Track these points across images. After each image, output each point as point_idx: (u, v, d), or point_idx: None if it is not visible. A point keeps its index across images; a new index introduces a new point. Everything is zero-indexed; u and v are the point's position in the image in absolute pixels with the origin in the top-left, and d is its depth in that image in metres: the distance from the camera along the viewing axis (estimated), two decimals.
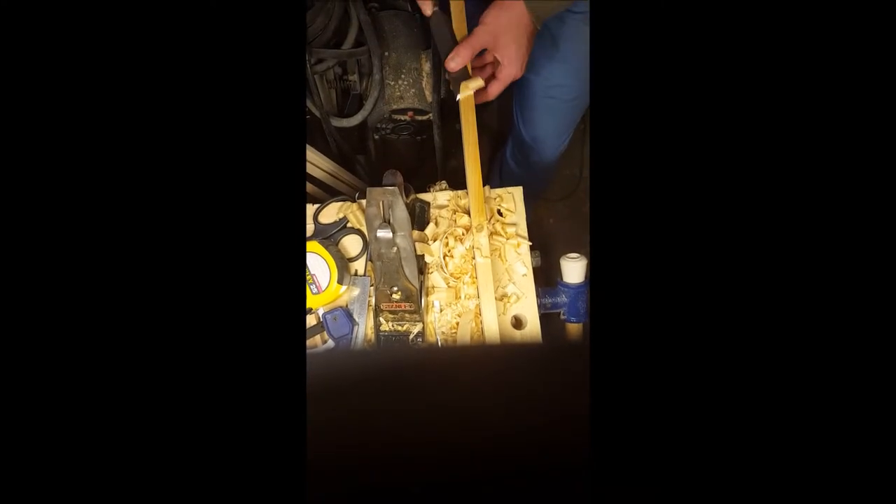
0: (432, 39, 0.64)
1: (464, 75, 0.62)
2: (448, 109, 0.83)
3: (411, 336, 0.64)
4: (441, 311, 0.65)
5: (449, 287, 0.65)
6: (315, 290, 0.64)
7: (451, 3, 0.62)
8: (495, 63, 0.63)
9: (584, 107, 0.88)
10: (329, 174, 0.82)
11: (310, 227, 0.70)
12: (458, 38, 0.62)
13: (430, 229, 0.67)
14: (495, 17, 0.59)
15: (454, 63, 0.60)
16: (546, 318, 0.68)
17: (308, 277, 0.64)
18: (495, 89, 0.64)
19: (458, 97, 0.62)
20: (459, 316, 0.64)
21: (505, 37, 0.60)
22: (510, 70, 0.62)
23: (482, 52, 0.62)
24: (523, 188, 0.70)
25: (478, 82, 0.62)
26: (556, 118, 0.87)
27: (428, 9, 0.61)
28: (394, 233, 0.61)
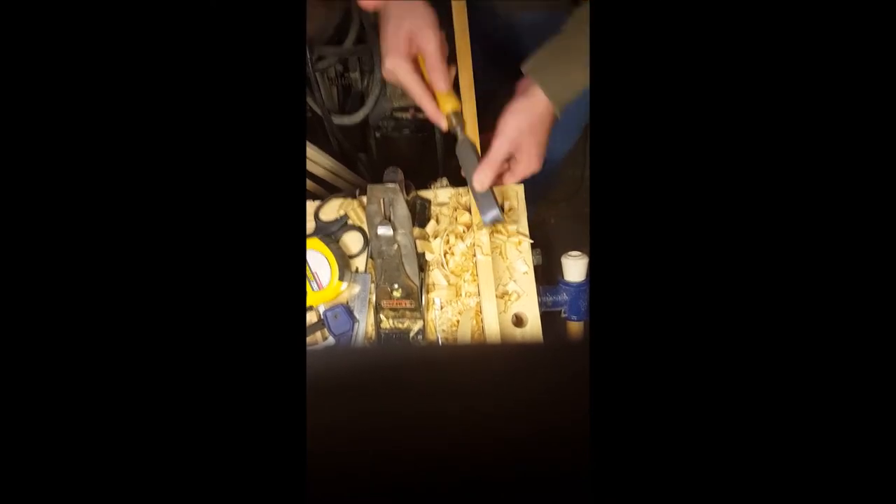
0: (458, 162, 0.60)
1: (492, 200, 0.58)
2: None
3: (412, 333, 0.64)
4: (442, 308, 0.65)
5: (449, 285, 0.65)
6: (316, 287, 0.64)
7: (453, 2, 0.61)
8: (511, 160, 0.59)
9: (587, 119, 0.87)
10: (330, 171, 0.82)
11: (311, 224, 0.70)
12: (470, 136, 0.58)
13: (430, 226, 0.67)
14: (515, 126, 0.55)
15: (480, 185, 0.56)
16: (547, 316, 0.68)
17: (309, 274, 0.64)
18: (509, 181, 0.61)
19: (487, 222, 0.59)
20: (460, 314, 0.64)
21: (527, 141, 0.56)
22: (530, 168, 0.58)
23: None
24: (528, 189, 0.69)
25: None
26: (559, 133, 0.86)
27: (444, 124, 0.57)
28: (394, 230, 0.61)
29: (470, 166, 0.58)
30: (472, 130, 0.59)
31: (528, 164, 0.58)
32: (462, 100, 0.59)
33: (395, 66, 0.54)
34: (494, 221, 0.59)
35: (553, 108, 0.56)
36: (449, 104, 0.57)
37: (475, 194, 0.59)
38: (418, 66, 0.56)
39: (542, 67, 0.55)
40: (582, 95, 0.58)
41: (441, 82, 0.55)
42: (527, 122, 0.55)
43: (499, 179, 0.61)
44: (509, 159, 0.60)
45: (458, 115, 0.58)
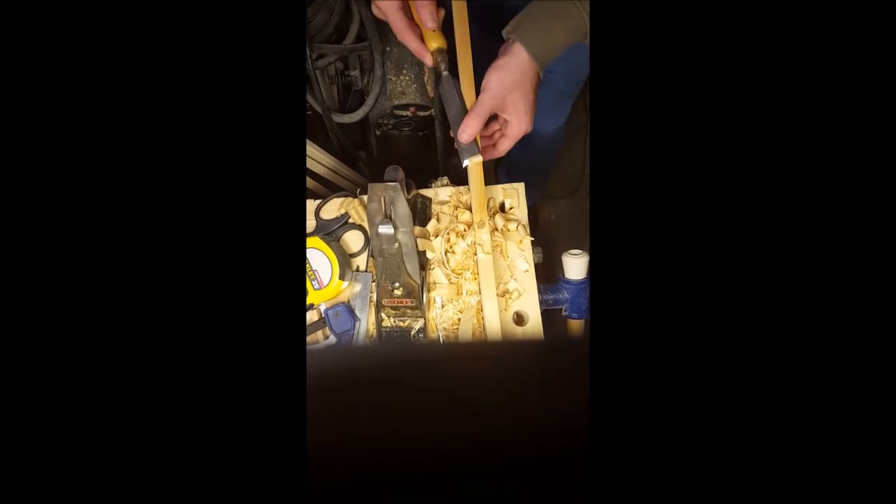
0: (438, 101, 0.62)
1: (473, 145, 0.60)
2: None
3: (413, 332, 0.64)
4: (442, 307, 0.65)
5: (450, 283, 0.65)
6: (317, 286, 0.64)
7: (454, 3, 0.61)
8: (503, 122, 0.61)
9: (576, 87, 0.87)
10: (330, 170, 0.82)
11: (311, 223, 0.70)
12: (465, 97, 0.60)
13: (431, 225, 0.67)
14: (499, 81, 0.57)
15: (465, 136, 0.58)
16: (548, 314, 0.68)
17: (310, 273, 0.64)
18: (505, 146, 0.62)
19: (466, 163, 0.60)
20: (461, 312, 0.64)
21: (512, 97, 0.57)
22: (520, 127, 0.60)
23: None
24: (528, 175, 0.69)
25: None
26: (546, 100, 0.86)
27: (428, 60, 0.59)
28: (395, 229, 0.61)
29: (453, 107, 0.60)
30: (467, 88, 0.61)
31: (519, 122, 0.59)
32: (458, 59, 0.61)
33: (384, 3, 0.57)
34: (474, 160, 0.61)
35: (536, 65, 0.57)
36: (435, 42, 0.59)
37: (459, 143, 0.60)
38: (407, 5, 0.58)
39: (522, 27, 0.57)
40: (564, 55, 0.61)
41: (429, 20, 0.57)
42: (510, 77, 0.57)
43: (494, 148, 0.63)
44: (498, 120, 0.61)
45: (443, 52, 0.60)
